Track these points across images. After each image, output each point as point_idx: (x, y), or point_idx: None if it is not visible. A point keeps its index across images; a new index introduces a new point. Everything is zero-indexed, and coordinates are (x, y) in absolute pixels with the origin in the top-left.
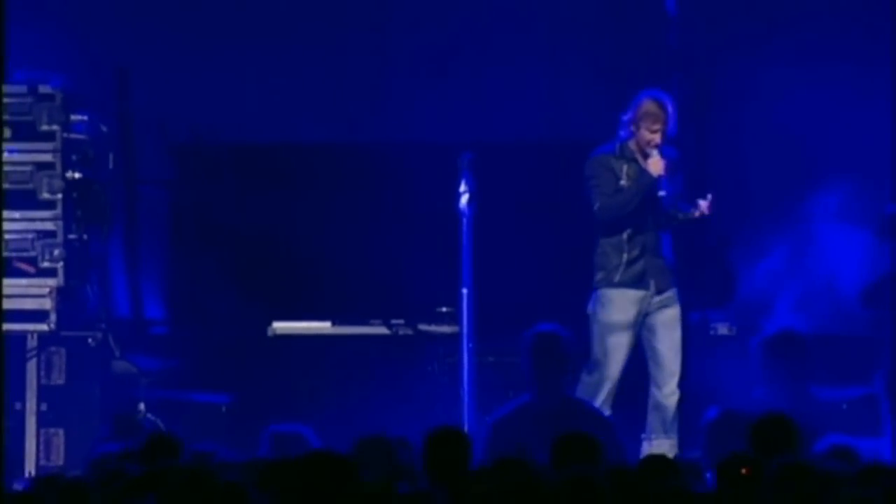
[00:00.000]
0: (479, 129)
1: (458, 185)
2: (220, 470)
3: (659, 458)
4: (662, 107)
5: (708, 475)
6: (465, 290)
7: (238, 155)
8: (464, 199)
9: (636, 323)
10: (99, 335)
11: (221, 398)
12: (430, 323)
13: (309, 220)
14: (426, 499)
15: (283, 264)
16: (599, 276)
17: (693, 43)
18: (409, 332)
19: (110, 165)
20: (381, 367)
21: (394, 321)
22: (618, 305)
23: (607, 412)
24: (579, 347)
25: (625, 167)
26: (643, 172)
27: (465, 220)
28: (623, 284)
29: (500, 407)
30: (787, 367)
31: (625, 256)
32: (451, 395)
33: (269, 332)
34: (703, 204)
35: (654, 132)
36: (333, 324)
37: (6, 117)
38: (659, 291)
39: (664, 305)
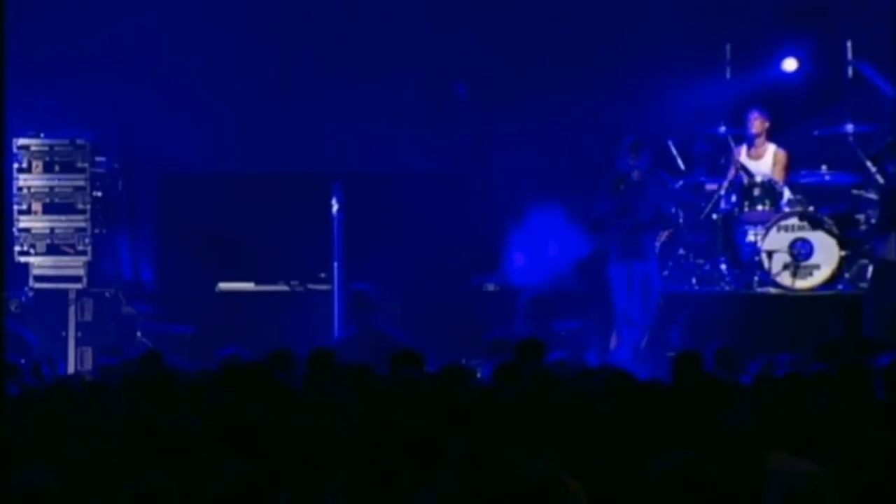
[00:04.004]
0: (347, 164)
1: (332, 199)
2: (184, 376)
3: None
4: (633, 142)
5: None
6: (336, 264)
7: (203, 181)
8: (335, 208)
9: (633, 284)
10: (113, 291)
11: (188, 330)
12: (314, 283)
13: (242, 219)
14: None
15: (226, 247)
16: (610, 254)
17: (475, 109)
18: (301, 289)
19: (120, 188)
20: (284, 311)
21: (292, 282)
22: (620, 273)
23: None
24: (387, 298)
25: (623, 183)
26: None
27: (335, 222)
28: (621, 259)
29: (338, 337)
30: (536, 314)
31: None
32: (327, 328)
33: (217, 289)
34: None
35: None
36: (255, 283)
37: (58, 159)
38: (640, 263)
39: (647, 272)
